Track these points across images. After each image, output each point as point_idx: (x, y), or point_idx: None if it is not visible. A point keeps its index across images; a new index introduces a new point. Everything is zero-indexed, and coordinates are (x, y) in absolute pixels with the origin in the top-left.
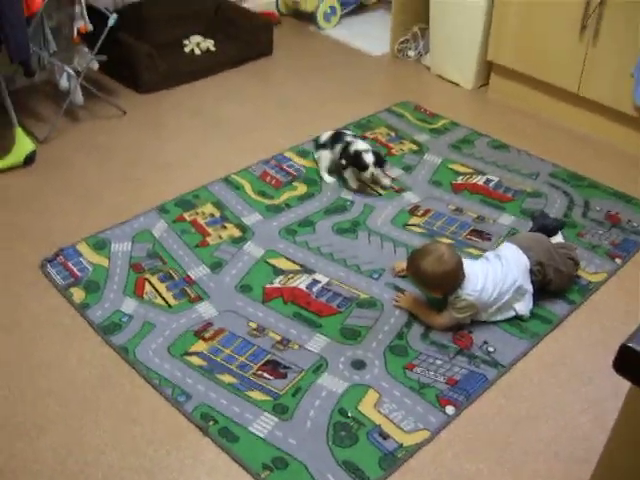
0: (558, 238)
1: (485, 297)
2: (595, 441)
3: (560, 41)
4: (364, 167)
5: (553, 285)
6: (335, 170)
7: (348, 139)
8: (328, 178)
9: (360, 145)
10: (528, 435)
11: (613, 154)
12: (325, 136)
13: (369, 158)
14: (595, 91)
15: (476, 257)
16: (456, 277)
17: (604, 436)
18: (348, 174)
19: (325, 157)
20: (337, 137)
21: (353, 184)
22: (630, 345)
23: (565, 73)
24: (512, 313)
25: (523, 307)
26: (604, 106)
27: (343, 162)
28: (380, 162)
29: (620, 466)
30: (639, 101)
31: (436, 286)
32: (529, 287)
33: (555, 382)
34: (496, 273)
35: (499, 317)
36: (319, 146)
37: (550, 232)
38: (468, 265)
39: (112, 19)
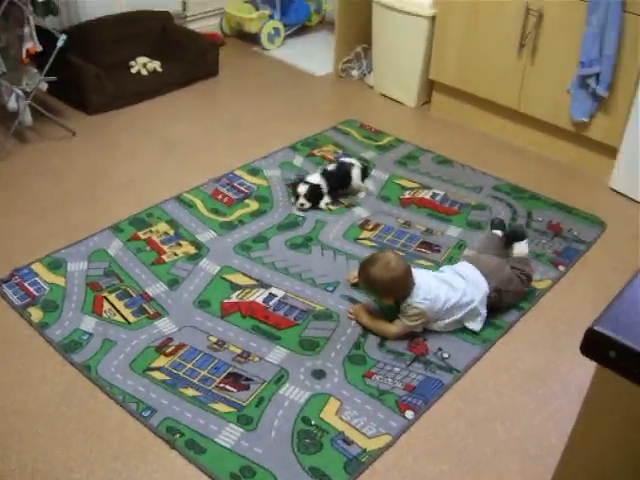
0: (524, 246)
1: (437, 307)
2: (549, 439)
3: (499, 59)
4: (296, 196)
5: (505, 305)
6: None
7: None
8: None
9: (310, 177)
10: (485, 436)
11: (552, 167)
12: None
13: (302, 189)
14: (534, 107)
15: (427, 268)
16: (405, 283)
17: (558, 434)
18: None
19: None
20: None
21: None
22: (595, 329)
23: (505, 90)
24: (462, 325)
25: (474, 326)
26: (543, 121)
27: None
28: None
29: (589, 449)
30: (576, 116)
31: (386, 292)
32: (484, 311)
33: (509, 384)
34: (452, 287)
35: (450, 328)
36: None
37: (519, 237)
38: (421, 275)
39: (61, 40)
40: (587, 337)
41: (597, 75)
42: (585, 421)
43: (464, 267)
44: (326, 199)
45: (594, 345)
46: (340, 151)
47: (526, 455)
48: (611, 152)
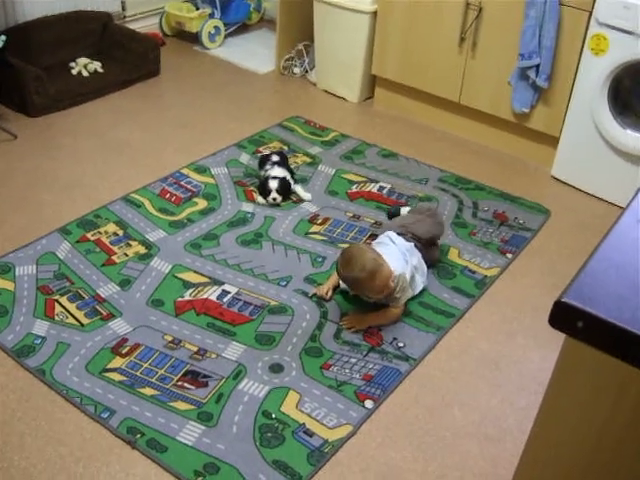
0: (404, 211)
1: (406, 268)
2: (506, 421)
3: (440, 53)
4: (268, 192)
5: (426, 233)
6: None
7: (267, 167)
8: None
9: (274, 172)
10: (444, 421)
11: (495, 157)
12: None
13: (273, 184)
14: (475, 99)
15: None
16: (383, 267)
17: (514, 415)
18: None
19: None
20: (263, 160)
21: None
22: (563, 300)
23: (446, 84)
24: (420, 286)
25: (423, 278)
26: (485, 113)
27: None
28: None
29: (559, 420)
30: (517, 107)
31: (380, 287)
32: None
33: (464, 370)
34: (397, 248)
35: (417, 289)
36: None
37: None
38: (382, 252)
39: (0, 41)
40: (555, 309)
41: (537, 67)
42: (555, 391)
43: (383, 235)
44: (297, 187)
45: (562, 317)
46: (286, 147)
47: (484, 437)
48: (552, 141)
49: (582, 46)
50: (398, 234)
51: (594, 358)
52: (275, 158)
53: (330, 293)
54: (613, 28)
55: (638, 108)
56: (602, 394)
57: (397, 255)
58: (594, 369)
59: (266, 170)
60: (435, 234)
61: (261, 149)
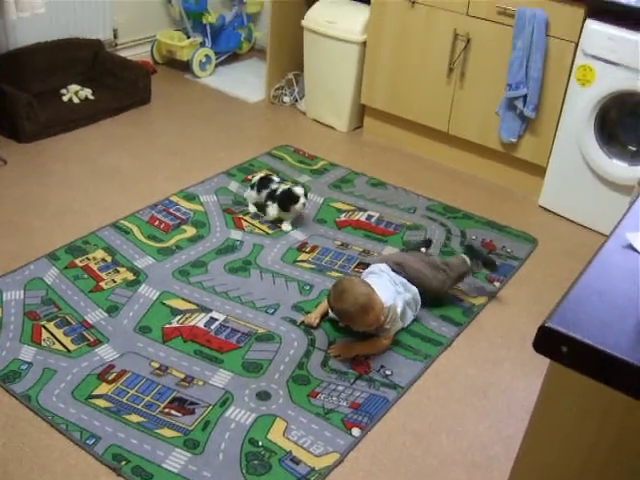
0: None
1: (397, 300)
2: (492, 449)
3: (429, 84)
4: (296, 198)
5: (416, 278)
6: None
7: (274, 186)
8: (252, 208)
9: (287, 185)
10: (431, 448)
11: (483, 187)
12: (255, 179)
13: (299, 190)
14: (464, 129)
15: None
16: (375, 302)
17: (501, 443)
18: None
19: (251, 196)
20: (264, 182)
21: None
22: (547, 325)
23: (435, 114)
24: (411, 319)
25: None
26: (473, 143)
27: (268, 203)
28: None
29: (544, 443)
30: (504, 137)
31: (366, 314)
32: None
33: (451, 398)
34: (389, 280)
35: (407, 322)
36: (250, 186)
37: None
38: (373, 284)
39: None
40: (539, 334)
41: (524, 97)
42: (540, 416)
43: (374, 265)
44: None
45: (547, 341)
46: (275, 176)
47: (472, 465)
48: (539, 171)
49: (569, 77)
50: (392, 270)
51: (578, 383)
52: (276, 178)
53: (318, 321)
54: (599, 59)
55: (624, 138)
56: (587, 418)
57: (388, 286)
58: (578, 393)
59: (277, 185)
60: (423, 284)
61: (250, 177)
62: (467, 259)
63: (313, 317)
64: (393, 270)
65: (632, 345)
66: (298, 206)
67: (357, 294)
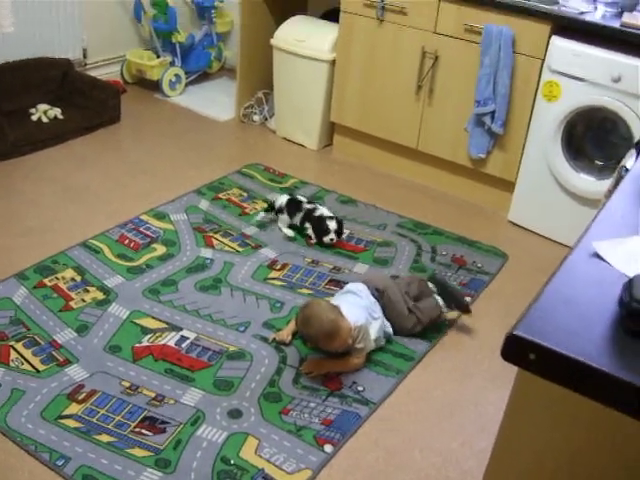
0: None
1: (367, 317)
2: (466, 464)
3: (398, 101)
4: (326, 231)
5: (391, 312)
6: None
7: (308, 206)
8: (288, 232)
9: (324, 212)
10: (404, 464)
11: (453, 203)
12: (279, 202)
13: (332, 225)
14: (433, 146)
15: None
16: (342, 329)
17: (474, 457)
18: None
19: (283, 220)
20: (293, 204)
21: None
22: (515, 333)
23: (404, 131)
24: (383, 342)
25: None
26: (442, 159)
27: (308, 229)
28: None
29: (515, 451)
30: (473, 153)
31: (334, 337)
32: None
33: (424, 413)
34: (362, 300)
35: (382, 343)
36: (277, 210)
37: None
38: (347, 303)
39: None
40: (507, 342)
41: (492, 113)
42: (509, 425)
43: (348, 286)
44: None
45: (514, 349)
46: (245, 194)
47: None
48: (508, 186)
49: (535, 93)
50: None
51: (546, 390)
52: (304, 199)
53: (290, 338)
54: (565, 75)
55: (591, 152)
56: (556, 425)
57: (359, 306)
58: (547, 401)
59: (309, 210)
60: (395, 320)
61: (220, 195)
62: (440, 301)
63: (285, 334)
64: (373, 295)
65: (599, 351)
66: (326, 239)
67: (323, 320)
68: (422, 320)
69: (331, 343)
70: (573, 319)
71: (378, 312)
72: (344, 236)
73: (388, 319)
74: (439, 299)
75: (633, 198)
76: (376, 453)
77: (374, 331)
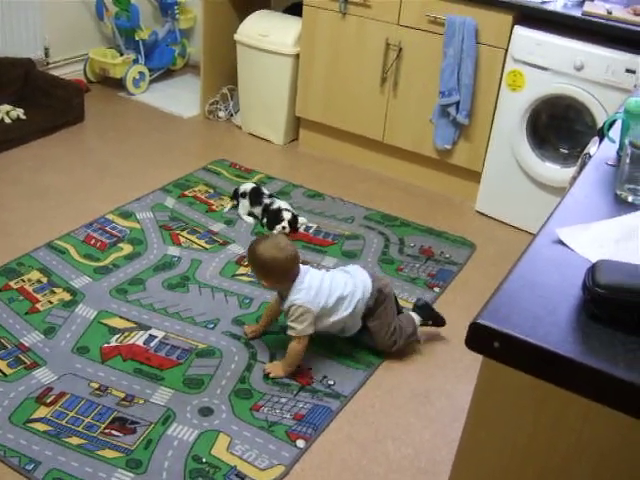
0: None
1: (321, 301)
2: (439, 454)
3: (363, 94)
4: (280, 221)
5: (372, 320)
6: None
7: (267, 200)
8: (248, 219)
9: (282, 205)
10: (377, 457)
11: (420, 194)
12: (244, 188)
13: (287, 215)
14: (398, 138)
15: None
16: (285, 268)
17: (447, 447)
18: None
19: (244, 205)
20: (257, 193)
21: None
22: (479, 322)
23: (370, 123)
24: (356, 328)
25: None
26: (408, 151)
27: (264, 220)
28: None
29: (481, 441)
30: (439, 144)
31: (266, 271)
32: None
33: (395, 405)
34: (335, 279)
35: (334, 330)
36: (240, 195)
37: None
38: (306, 270)
39: None
40: (471, 331)
41: (457, 104)
42: (476, 413)
43: (351, 267)
44: (302, 219)
45: (478, 338)
46: (212, 191)
47: (418, 471)
48: (475, 177)
49: (500, 82)
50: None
51: (512, 377)
52: (266, 192)
53: (262, 330)
54: (528, 64)
55: (556, 141)
56: (522, 412)
57: (323, 289)
58: (513, 388)
59: (269, 202)
60: (377, 335)
61: (187, 192)
62: (416, 318)
63: (256, 327)
64: (372, 293)
65: (563, 337)
66: (278, 227)
67: (280, 254)
68: (399, 343)
69: (259, 274)
70: (537, 305)
71: (350, 307)
72: (302, 228)
73: (371, 331)
74: (414, 316)
75: (596, 184)
76: (349, 447)
77: (329, 320)
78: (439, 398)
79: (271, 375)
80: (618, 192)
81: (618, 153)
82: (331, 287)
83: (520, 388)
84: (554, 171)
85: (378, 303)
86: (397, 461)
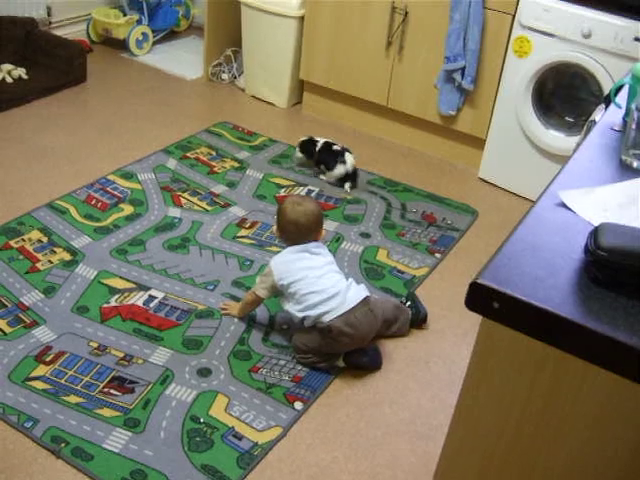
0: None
1: (286, 277)
2: (436, 418)
3: (368, 58)
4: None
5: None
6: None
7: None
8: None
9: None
10: (375, 419)
11: (423, 160)
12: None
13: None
14: (403, 103)
15: None
16: (298, 232)
17: (444, 412)
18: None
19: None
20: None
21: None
22: (479, 282)
23: (374, 88)
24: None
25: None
26: (412, 116)
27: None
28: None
29: (479, 401)
30: (443, 110)
31: (282, 225)
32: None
33: (393, 369)
34: (316, 265)
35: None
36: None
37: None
38: (304, 247)
39: None
40: (471, 291)
41: (462, 69)
42: (474, 374)
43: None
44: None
45: (478, 298)
46: (214, 153)
47: (415, 434)
48: (479, 143)
49: (506, 49)
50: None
51: (510, 338)
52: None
53: (239, 315)
54: (535, 31)
55: (561, 109)
56: (520, 373)
57: (295, 272)
58: (511, 349)
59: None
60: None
61: (188, 154)
62: (406, 307)
63: (236, 310)
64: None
65: (563, 299)
66: (337, 170)
67: (293, 215)
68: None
69: (317, 229)
70: (538, 266)
71: (320, 306)
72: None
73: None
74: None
75: (601, 150)
76: (346, 409)
77: (289, 302)
78: (437, 363)
79: (223, 312)
80: (623, 158)
81: (624, 119)
82: (306, 271)
83: (519, 349)
84: (559, 139)
85: (322, 331)
86: (394, 424)
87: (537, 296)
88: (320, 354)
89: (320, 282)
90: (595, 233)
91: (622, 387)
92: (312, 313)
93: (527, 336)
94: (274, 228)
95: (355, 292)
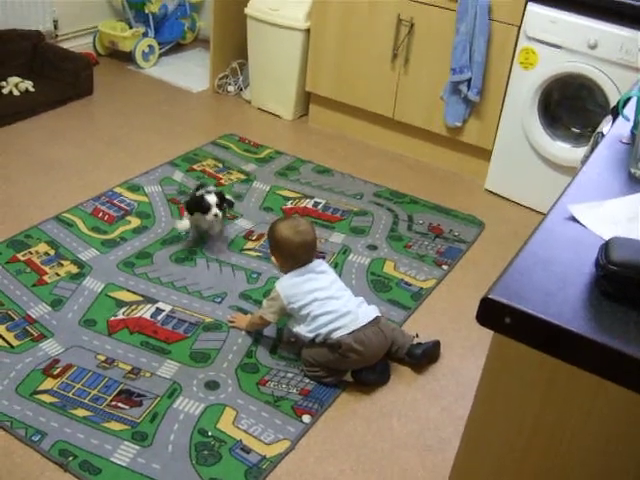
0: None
1: (295, 300)
2: (445, 431)
3: (374, 70)
4: (207, 208)
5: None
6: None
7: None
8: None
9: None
10: (382, 432)
11: (430, 171)
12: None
13: (212, 199)
14: (409, 115)
15: None
16: (295, 252)
17: (452, 425)
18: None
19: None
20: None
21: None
22: (490, 297)
23: (380, 100)
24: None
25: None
26: (418, 128)
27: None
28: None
29: (491, 416)
30: (450, 121)
31: (274, 248)
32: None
33: (402, 381)
34: (324, 285)
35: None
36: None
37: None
38: (309, 268)
39: None
40: (482, 306)
41: (468, 81)
42: (485, 389)
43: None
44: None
45: (490, 313)
46: (220, 165)
47: (424, 447)
48: (485, 155)
49: (512, 60)
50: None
51: (522, 353)
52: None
53: (245, 328)
54: (541, 42)
55: (567, 120)
56: (531, 389)
57: (302, 296)
58: (522, 364)
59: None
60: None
61: (195, 167)
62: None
63: (243, 324)
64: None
65: (575, 314)
66: (208, 217)
67: (292, 237)
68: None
69: (272, 253)
70: (549, 281)
71: (331, 325)
72: (310, 204)
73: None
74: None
75: (609, 162)
76: (354, 422)
77: (299, 324)
78: (445, 375)
79: (231, 325)
80: (632, 170)
81: (632, 131)
82: (314, 293)
83: (530, 364)
84: (565, 150)
85: (331, 346)
86: (402, 437)
87: (548, 311)
88: (328, 369)
89: (331, 302)
90: (606, 247)
91: (635, 402)
92: (323, 331)
93: (539, 351)
94: (274, 260)
95: (366, 311)
